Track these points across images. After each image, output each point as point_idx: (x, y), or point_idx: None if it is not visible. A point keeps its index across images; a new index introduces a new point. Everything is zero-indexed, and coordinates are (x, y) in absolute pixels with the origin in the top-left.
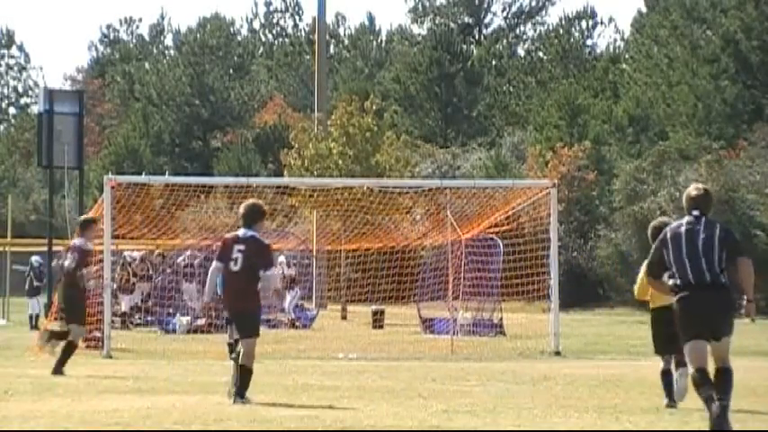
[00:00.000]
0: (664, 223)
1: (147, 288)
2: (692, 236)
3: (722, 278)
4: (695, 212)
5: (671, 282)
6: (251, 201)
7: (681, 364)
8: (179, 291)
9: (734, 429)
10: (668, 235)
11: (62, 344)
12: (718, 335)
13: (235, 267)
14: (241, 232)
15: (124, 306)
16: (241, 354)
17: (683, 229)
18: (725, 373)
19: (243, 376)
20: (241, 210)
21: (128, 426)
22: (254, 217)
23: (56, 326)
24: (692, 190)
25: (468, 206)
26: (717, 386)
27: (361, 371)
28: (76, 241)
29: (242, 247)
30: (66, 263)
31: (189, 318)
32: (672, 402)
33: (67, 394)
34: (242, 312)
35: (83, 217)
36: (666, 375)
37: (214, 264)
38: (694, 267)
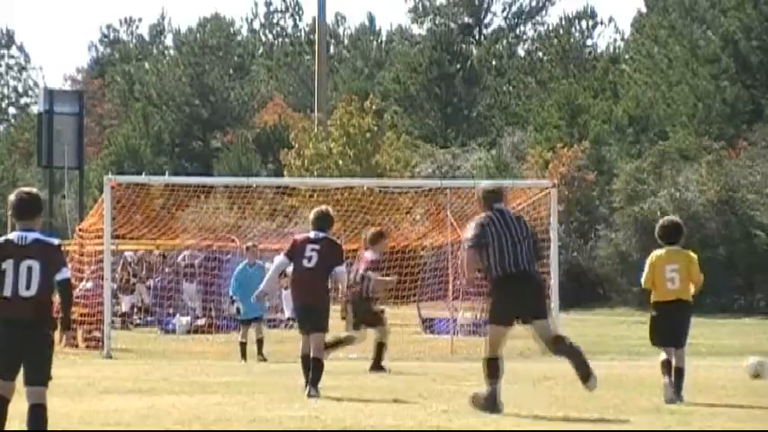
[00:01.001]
0: (673, 222)
1: (145, 288)
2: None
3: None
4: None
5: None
6: (322, 207)
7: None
8: (179, 291)
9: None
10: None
11: None
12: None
13: (309, 264)
14: (312, 234)
15: (124, 306)
16: (312, 348)
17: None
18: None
19: (317, 370)
20: (313, 215)
21: (128, 426)
22: (326, 222)
23: None
24: None
25: (469, 206)
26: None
27: (361, 371)
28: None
29: (316, 246)
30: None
31: (189, 318)
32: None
33: (67, 394)
34: (314, 306)
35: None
36: (666, 364)
37: (281, 259)
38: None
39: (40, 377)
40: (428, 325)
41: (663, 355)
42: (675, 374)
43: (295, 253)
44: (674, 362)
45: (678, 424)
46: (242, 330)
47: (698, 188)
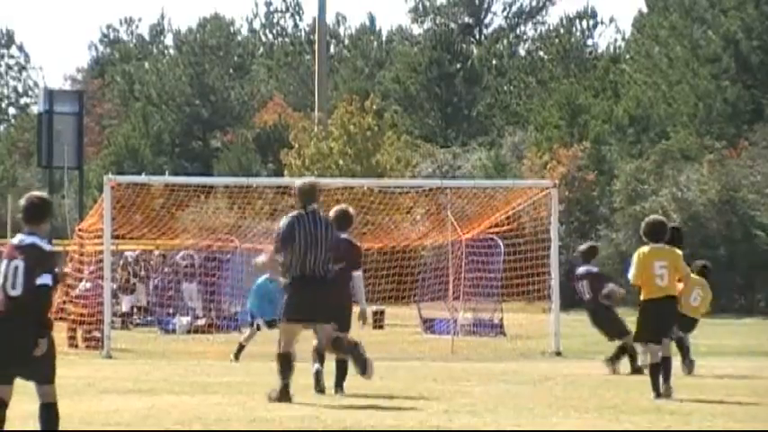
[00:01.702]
0: (659, 221)
1: (143, 288)
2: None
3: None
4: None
5: None
6: (342, 207)
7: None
8: (179, 291)
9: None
10: None
11: None
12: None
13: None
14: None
15: (124, 306)
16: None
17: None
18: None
19: (344, 369)
20: (332, 214)
21: (128, 426)
22: (346, 222)
23: None
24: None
25: (469, 206)
26: None
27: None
28: None
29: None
30: None
31: (189, 318)
32: (659, 396)
33: (67, 394)
34: (338, 308)
35: None
36: (656, 367)
37: None
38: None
39: (38, 375)
40: (428, 325)
41: (649, 358)
42: (663, 364)
43: None
44: (660, 353)
45: (678, 424)
46: (250, 332)
47: (699, 188)
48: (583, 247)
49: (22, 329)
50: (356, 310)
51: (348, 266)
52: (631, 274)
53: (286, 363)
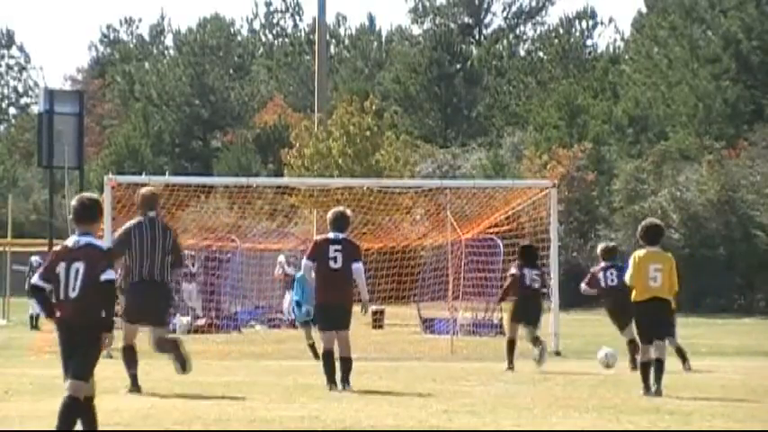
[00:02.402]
0: (654, 224)
1: None
2: None
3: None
4: None
5: None
6: (340, 209)
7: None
8: (179, 291)
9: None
10: None
11: None
12: None
13: (335, 265)
14: (332, 235)
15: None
16: (341, 347)
17: None
18: None
19: (348, 366)
20: (331, 216)
21: (128, 426)
22: (345, 223)
23: None
24: None
25: (469, 206)
26: None
27: (362, 371)
28: None
29: (338, 247)
30: None
31: (189, 318)
32: (648, 392)
33: None
34: (343, 306)
35: None
36: (646, 366)
37: (307, 263)
38: None
39: (75, 370)
40: (428, 325)
41: (638, 358)
42: (656, 366)
43: (318, 255)
44: (654, 354)
45: (678, 424)
46: (305, 332)
47: (698, 188)
48: (603, 245)
49: (84, 329)
50: (355, 309)
51: (351, 260)
52: (627, 276)
53: (130, 355)
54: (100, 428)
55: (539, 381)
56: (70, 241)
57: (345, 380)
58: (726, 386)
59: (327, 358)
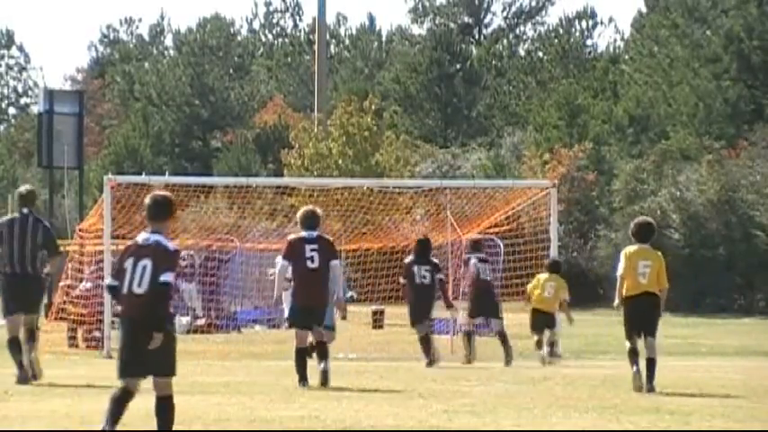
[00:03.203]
0: (646, 222)
1: None
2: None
3: None
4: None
5: None
6: (309, 207)
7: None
8: (178, 291)
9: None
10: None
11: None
12: None
13: (312, 265)
14: (306, 234)
15: None
16: (317, 335)
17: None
18: None
19: (324, 349)
20: (302, 215)
21: (128, 426)
22: (316, 221)
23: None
24: None
25: (469, 206)
26: None
27: (361, 371)
28: None
29: (314, 246)
30: None
31: (189, 318)
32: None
33: (67, 394)
34: (323, 304)
35: None
36: (633, 353)
37: (283, 263)
38: None
39: (157, 368)
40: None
41: (627, 344)
42: (648, 365)
43: (294, 254)
44: (646, 353)
45: (678, 424)
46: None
47: (698, 188)
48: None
49: (146, 327)
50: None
51: (328, 258)
52: (619, 269)
53: (14, 347)
54: (99, 428)
55: (539, 381)
56: (140, 238)
57: (324, 357)
58: (726, 386)
59: (301, 356)
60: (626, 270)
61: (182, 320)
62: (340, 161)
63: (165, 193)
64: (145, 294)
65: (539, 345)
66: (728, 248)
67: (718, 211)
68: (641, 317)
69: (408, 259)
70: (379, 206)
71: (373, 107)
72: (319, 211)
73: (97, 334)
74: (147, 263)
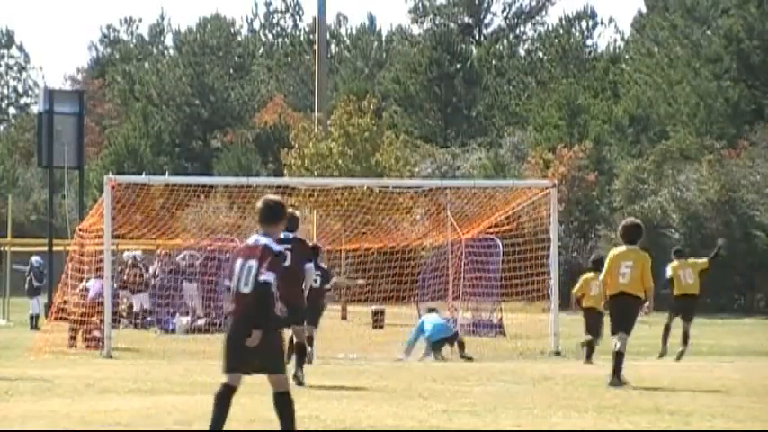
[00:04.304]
0: (633, 224)
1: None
2: None
3: None
4: None
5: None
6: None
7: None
8: (177, 290)
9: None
10: None
11: None
12: None
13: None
14: (282, 234)
15: (136, 305)
16: (298, 334)
17: None
18: None
19: (302, 353)
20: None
21: (128, 426)
22: (294, 222)
23: None
24: None
25: (469, 206)
26: None
27: (361, 371)
28: None
29: (288, 246)
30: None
31: (189, 318)
32: (618, 381)
33: (67, 394)
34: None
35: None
36: (620, 356)
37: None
38: None
39: (271, 366)
40: None
41: (616, 346)
42: (615, 357)
43: None
44: (617, 346)
45: (678, 424)
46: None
47: (698, 188)
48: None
49: (249, 325)
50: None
51: (302, 260)
52: (603, 271)
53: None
54: (99, 428)
55: (539, 381)
56: (251, 240)
57: (299, 365)
58: (726, 386)
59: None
60: (607, 271)
61: (182, 320)
62: (340, 161)
63: (277, 198)
64: (249, 294)
65: (590, 346)
66: (728, 248)
67: (718, 211)
68: (619, 315)
69: None
70: (379, 206)
71: (372, 107)
72: (297, 213)
73: (97, 334)
74: (252, 263)
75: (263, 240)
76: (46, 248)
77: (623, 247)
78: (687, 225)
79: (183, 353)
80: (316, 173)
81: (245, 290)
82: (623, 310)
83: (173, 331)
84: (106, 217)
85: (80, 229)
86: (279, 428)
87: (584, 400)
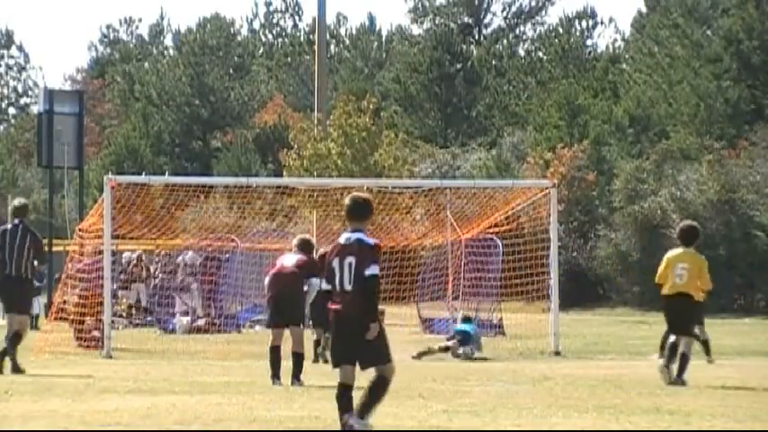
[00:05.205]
0: (689, 226)
1: (144, 288)
2: None
3: None
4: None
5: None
6: (304, 236)
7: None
8: (178, 290)
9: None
10: None
11: None
12: None
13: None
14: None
15: (133, 297)
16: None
17: None
18: None
19: (300, 363)
20: (295, 243)
21: (128, 426)
22: (309, 247)
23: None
24: None
25: (468, 206)
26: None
27: (361, 371)
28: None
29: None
30: None
31: (189, 318)
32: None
33: (67, 394)
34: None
35: None
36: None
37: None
38: None
39: (370, 359)
40: (428, 325)
41: (672, 338)
42: (680, 359)
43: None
44: (680, 348)
45: (678, 424)
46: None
47: (698, 188)
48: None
49: (357, 319)
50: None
51: (310, 274)
52: (657, 274)
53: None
54: (99, 428)
55: (539, 381)
56: (342, 238)
57: (296, 375)
58: (726, 386)
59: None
60: (662, 272)
61: (182, 320)
62: (339, 161)
63: (365, 195)
64: (353, 290)
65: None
66: (728, 248)
67: (718, 211)
68: (675, 316)
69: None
70: (378, 206)
71: (371, 107)
72: (313, 241)
73: (97, 334)
74: (351, 260)
75: (356, 236)
76: (46, 248)
77: (680, 249)
78: None
79: (183, 353)
80: (315, 173)
81: (349, 287)
82: (681, 311)
83: (173, 331)
84: (106, 217)
85: (80, 229)
86: (279, 428)
87: (584, 400)
